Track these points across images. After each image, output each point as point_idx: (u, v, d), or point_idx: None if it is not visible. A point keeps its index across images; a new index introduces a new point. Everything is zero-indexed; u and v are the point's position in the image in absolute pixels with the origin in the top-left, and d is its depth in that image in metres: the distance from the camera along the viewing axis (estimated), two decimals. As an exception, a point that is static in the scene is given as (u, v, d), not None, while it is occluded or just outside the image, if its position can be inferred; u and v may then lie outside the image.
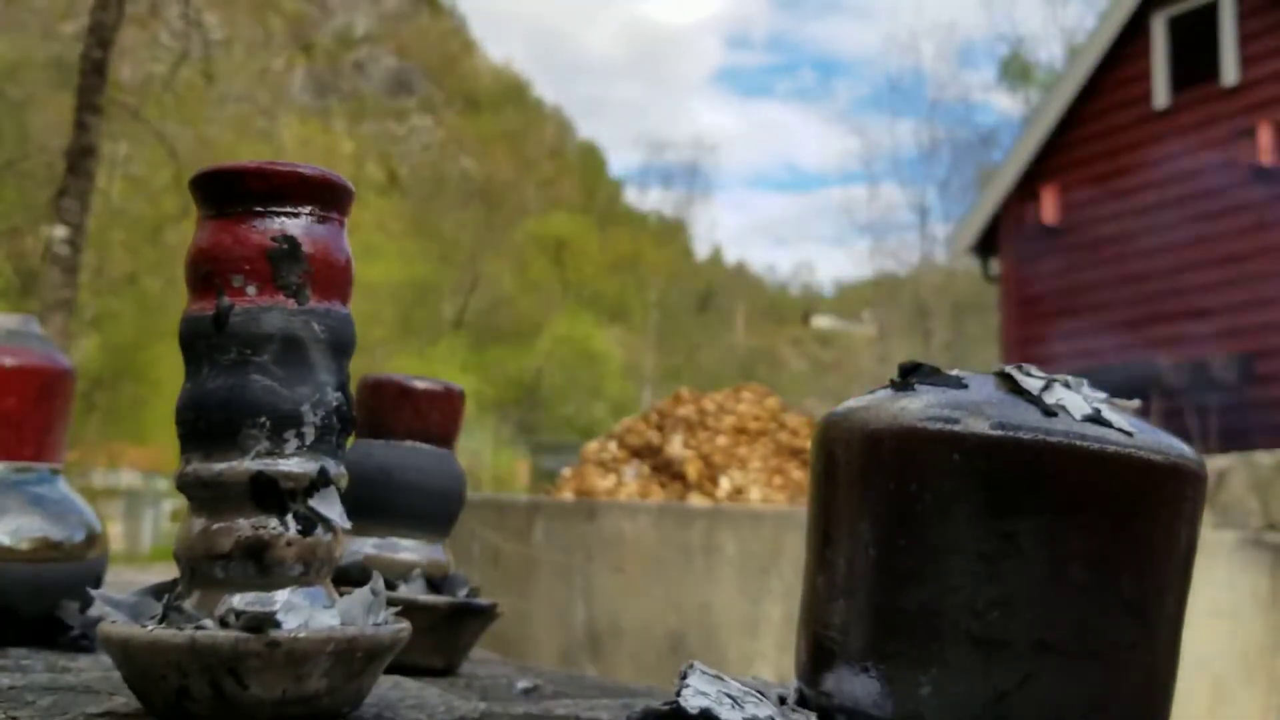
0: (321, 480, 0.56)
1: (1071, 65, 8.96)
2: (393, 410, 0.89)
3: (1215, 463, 4.09)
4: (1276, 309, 7.03)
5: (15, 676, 0.69)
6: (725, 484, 3.64)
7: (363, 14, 24.89)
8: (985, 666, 0.48)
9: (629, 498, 3.66)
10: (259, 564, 0.55)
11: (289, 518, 0.55)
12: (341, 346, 0.58)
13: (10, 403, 0.88)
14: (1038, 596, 0.48)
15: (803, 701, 0.55)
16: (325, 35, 24.02)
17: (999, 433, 0.49)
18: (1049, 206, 8.49)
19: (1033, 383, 0.52)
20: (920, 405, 0.52)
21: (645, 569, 2.84)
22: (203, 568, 0.55)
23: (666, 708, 0.52)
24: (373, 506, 0.85)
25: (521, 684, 0.79)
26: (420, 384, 0.90)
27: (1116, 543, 0.49)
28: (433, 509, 0.89)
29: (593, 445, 4.15)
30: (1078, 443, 0.49)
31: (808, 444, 3.68)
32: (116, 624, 0.55)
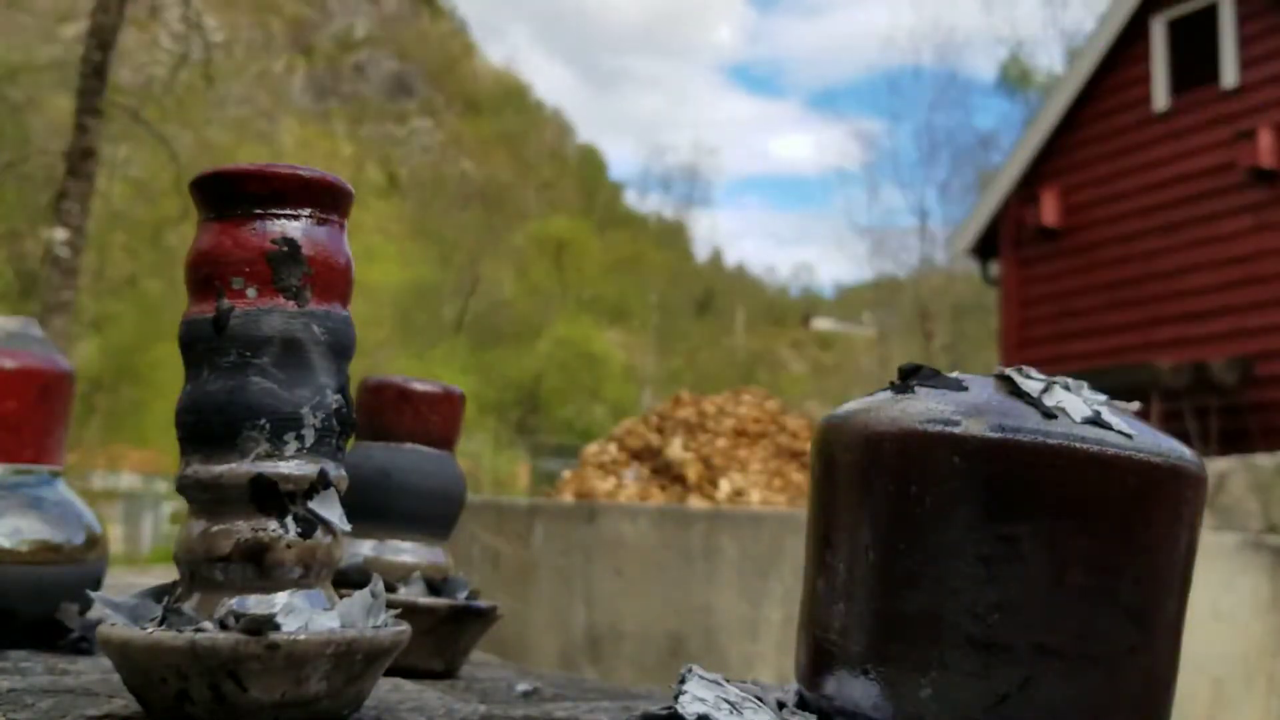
0: (321, 483, 0.56)
1: (1071, 68, 8.97)
2: (393, 413, 0.89)
3: (1215, 465, 4.09)
4: (1277, 311, 7.03)
5: (14, 679, 0.69)
6: (725, 486, 3.64)
7: (363, 16, 24.90)
8: (985, 670, 0.48)
9: (629, 500, 3.66)
10: (259, 566, 0.55)
11: (289, 520, 0.55)
12: (341, 349, 0.58)
13: (10, 405, 0.88)
14: (1038, 599, 0.48)
15: (803, 705, 0.55)
16: (325, 38, 24.04)
17: (999, 435, 0.49)
18: (1049, 209, 8.50)
19: (1032, 385, 0.52)
20: (920, 408, 0.52)
21: (645, 571, 2.84)
22: (202, 570, 0.55)
23: (664, 713, 0.52)
24: (372, 509, 0.85)
25: (521, 687, 0.79)
26: (420, 386, 0.90)
27: (1116, 545, 0.49)
28: (432, 512, 0.89)
29: (592, 448, 4.15)
30: (1077, 445, 0.49)
31: (807, 446, 3.68)
32: (116, 626, 0.55)
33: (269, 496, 0.55)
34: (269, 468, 0.55)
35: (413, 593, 0.85)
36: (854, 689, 0.51)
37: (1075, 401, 0.51)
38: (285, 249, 0.56)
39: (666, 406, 4.20)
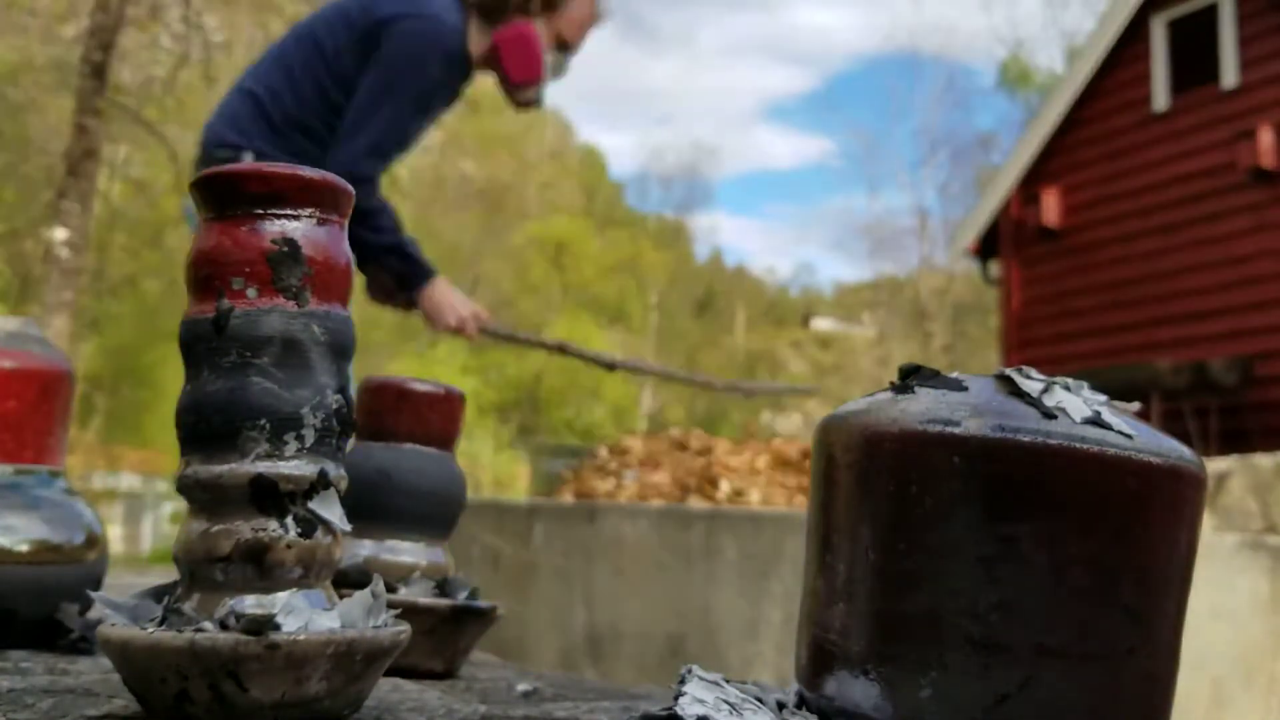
0: (321, 483, 0.56)
1: (1071, 68, 8.97)
2: (393, 413, 0.89)
3: (1215, 465, 4.09)
4: (1276, 311, 7.03)
5: (15, 679, 0.69)
6: (725, 486, 3.64)
7: (363, 17, 24.82)
8: (985, 670, 0.48)
9: (629, 500, 3.66)
10: (259, 567, 0.55)
11: (289, 520, 0.55)
12: (341, 349, 0.58)
13: (10, 405, 0.88)
14: (1038, 600, 0.48)
15: (803, 705, 0.55)
16: (325, 38, 23.94)
17: (999, 435, 0.49)
18: (1049, 209, 8.50)
19: (1032, 385, 0.52)
20: (920, 408, 0.52)
21: (645, 571, 2.84)
22: (202, 570, 0.55)
23: (664, 713, 0.52)
24: (372, 509, 0.85)
25: (521, 687, 0.79)
26: (420, 386, 0.90)
27: (1116, 545, 0.49)
28: (433, 512, 0.89)
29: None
30: (1077, 445, 0.49)
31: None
32: (116, 626, 0.55)
33: (269, 497, 0.55)
34: (269, 468, 0.55)
35: (414, 593, 0.85)
36: (854, 689, 0.51)
37: (1075, 402, 0.51)
38: (285, 249, 0.56)
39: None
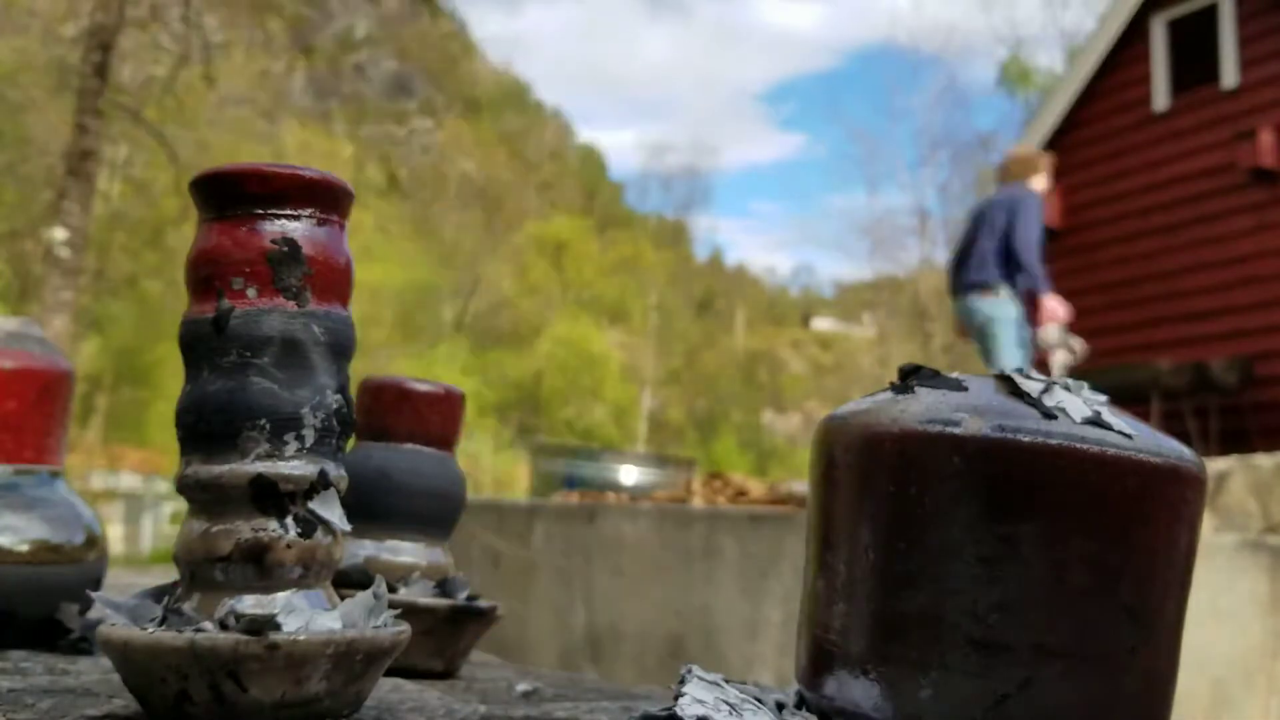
0: (321, 483, 0.56)
1: (1071, 68, 8.97)
2: (393, 413, 0.89)
3: (1215, 465, 4.09)
4: (1277, 311, 7.03)
5: (15, 679, 0.69)
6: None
7: (363, 17, 24.88)
8: (985, 670, 0.48)
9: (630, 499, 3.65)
10: (259, 567, 0.55)
11: (289, 520, 0.55)
12: (341, 349, 0.58)
13: (10, 405, 0.88)
14: (1038, 600, 0.48)
15: (803, 705, 0.55)
16: (325, 38, 24.01)
17: (999, 435, 0.49)
18: (1049, 209, 8.48)
19: (1032, 385, 0.52)
20: (920, 408, 0.52)
21: (645, 571, 2.84)
22: (202, 570, 0.55)
23: (664, 714, 0.52)
24: (372, 509, 0.85)
25: (521, 687, 0.79)
26: (420, 387, 0.90)
27: (1116, 545, 0.49)
28: (433, 512, 0.89)
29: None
30: (1078, 445, 0.49)
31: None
32: (116, 627, 0.55)
33: (269, 497, 0.55)
34: (269, 468, 0.55)
35: (413, 593, 0.85)
36: (854, 689, 0.51)
37: (1075, 402, 0.51)
38: (285, 249, 0.56)
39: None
